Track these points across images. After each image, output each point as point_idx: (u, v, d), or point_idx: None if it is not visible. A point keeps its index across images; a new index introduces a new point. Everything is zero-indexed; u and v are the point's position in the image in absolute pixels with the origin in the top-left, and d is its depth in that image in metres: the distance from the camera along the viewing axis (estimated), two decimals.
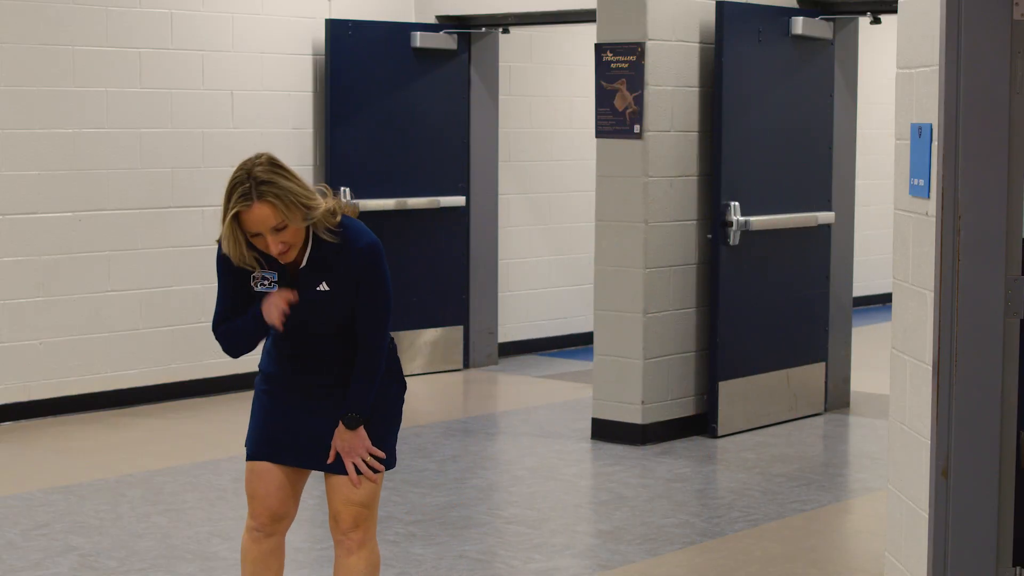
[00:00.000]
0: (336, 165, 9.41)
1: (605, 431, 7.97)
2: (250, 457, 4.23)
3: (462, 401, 9.43)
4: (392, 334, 4.26)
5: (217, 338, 4.17)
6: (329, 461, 4.15)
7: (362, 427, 4.13)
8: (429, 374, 9.88)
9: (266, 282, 4.06)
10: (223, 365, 9.10)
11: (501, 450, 7.90)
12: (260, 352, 4.34)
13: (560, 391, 9.50)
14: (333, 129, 9.37)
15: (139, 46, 8.72)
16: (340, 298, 4.07)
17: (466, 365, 10.26)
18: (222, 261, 4.09)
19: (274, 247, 3.94)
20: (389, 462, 4.23)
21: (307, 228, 4.02)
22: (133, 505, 6.60)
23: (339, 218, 4.04)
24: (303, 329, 4.11)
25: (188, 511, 6.50)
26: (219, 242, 4.04)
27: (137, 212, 8.76)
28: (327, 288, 4.05)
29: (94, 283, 8.61)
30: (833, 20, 8.53)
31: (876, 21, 8.48)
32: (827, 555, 6.02)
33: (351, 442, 4.13)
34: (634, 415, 7.87)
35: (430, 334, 9.94)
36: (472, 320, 10.27)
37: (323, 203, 4.00)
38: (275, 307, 4.01)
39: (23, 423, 8.32)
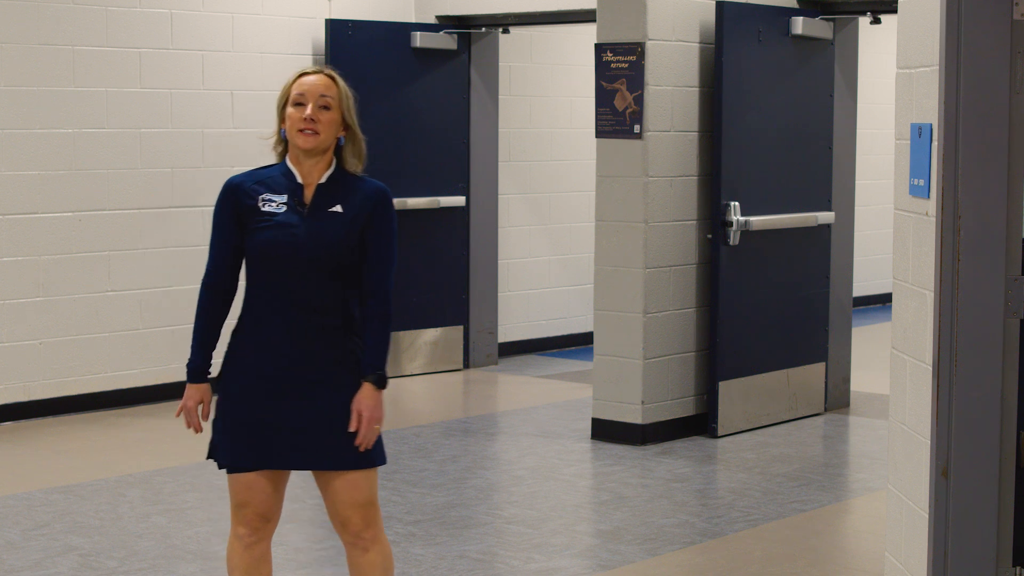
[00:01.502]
0: None
1: (605, 431, 7.97)
2: (232, 468, 4.10)
3: (462, 401, 9.43)
4: (392, 334, 4.21)
5: (199, 295, 4.19)
6: (351, 428, 4.02)
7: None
8: (429, 374, 9.88)
9: (273, 203, 4.05)
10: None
11: (501, 450, 7.90)
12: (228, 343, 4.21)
13: (560, 391, 9.50)
14: None
15: (139, 46, 8.72)
16: (349, 225, 4.03)
17: (466, 365, 10.26)
18: (223, 207, 4.09)
19: (311, 112, 4.00)
20: (382, 459, 4.16)
21: (333, 150, 4.09)
22: (133, 505, 6.61)
23: (362, 165, 4.16)
24: (301, 259, 4.01)
25: (188, 511, 6.50)
26: (222, 191, 4.09)
27: (137, 212, 8.77)
28: (340, 211, 4.04)
29: (94, 283, 8.61)
30: (833, 20, 8.53)
31: (876, 21, 8.48)
32: (827, 555, 6.02)
33: (375, 402, 4.03)
34: (634, 415, 7.87)
35: (430, 334, 9.94)
36: (472, 320, 10.28)
37: (361, 135, 4.13)
38: (188, 409, 4.14)
39: (23, 423, 8.32)
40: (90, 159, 8.54)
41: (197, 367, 4.15)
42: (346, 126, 4.10)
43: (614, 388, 7.93)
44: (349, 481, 4.08)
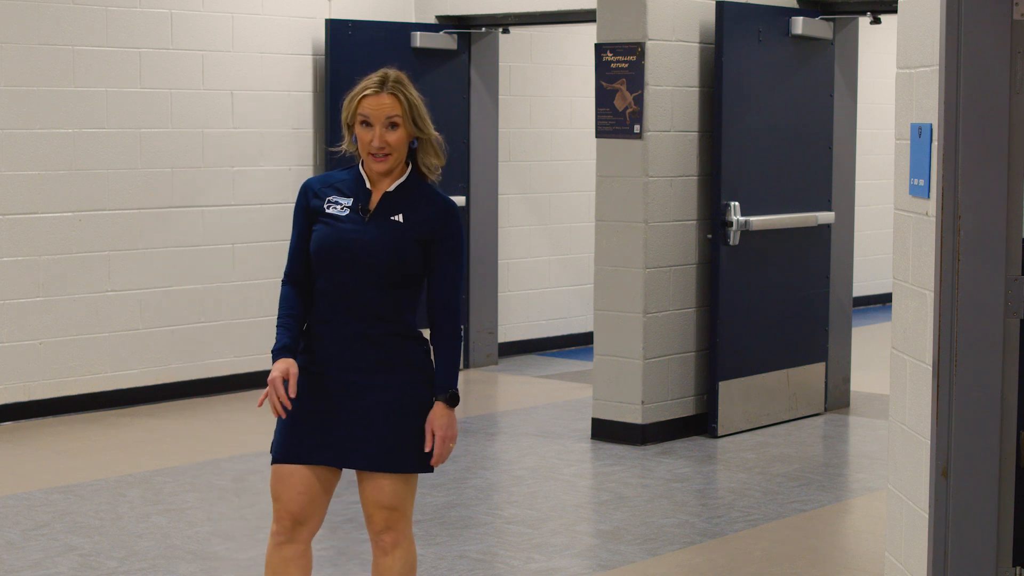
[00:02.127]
0: (335, 165, 9.40)
1: (605, 431, 7.97)
2: (275, 460, 4.11)
3: (462, 401, 9.42)
4: None
5: (280, 295, 4.16)
6: (427, 449, 4.03)
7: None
8: None
9: (338, 206, 4.08)
10: (223, 365, 9.11)
11: (501, 450, 7.90)
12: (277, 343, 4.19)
13: (560, 391, 9.50)
14: (333, 129, 9.37)
15: (139, 46, 8.72)
16: (410, 236, 4.03)
17: (466, 365, 10.26)
18: (297, 207, 4.14)
19: (378, 140, 4.01)
20: (422, 467, 4.11)
21: (408, 159, 4.10)
22: (133, 505, 6.60)
23: (440, 168, 4.15)
24: (353, 263, 4.01)
25: (188, 511, 6.50)
26: (299, 191, 4.12)
27: (137, 212, 8.77)
28: (401, 220, 4.05)
29: (94, 283, 8.61)
30: (833, 20, 8.53)
31: (876, 21, 8.48)
32: (827, 555, 6.02)
33: (449, 421, 4.06)
34: (634, 415, 7.87)
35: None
36: (472, 320, 10.28)
37: (435, 135, 4.14)
38: (277, 384, 3.99)
39: (23, 423, 8.32)
40: (90, 159, 8.54)
41: (283, 346, 4.08)
42: (418, 122, 4.11)
43: (614, 388, 7.93)
44: (375, 482, 4.07)
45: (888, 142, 12.77)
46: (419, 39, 9.72)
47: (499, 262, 10.63)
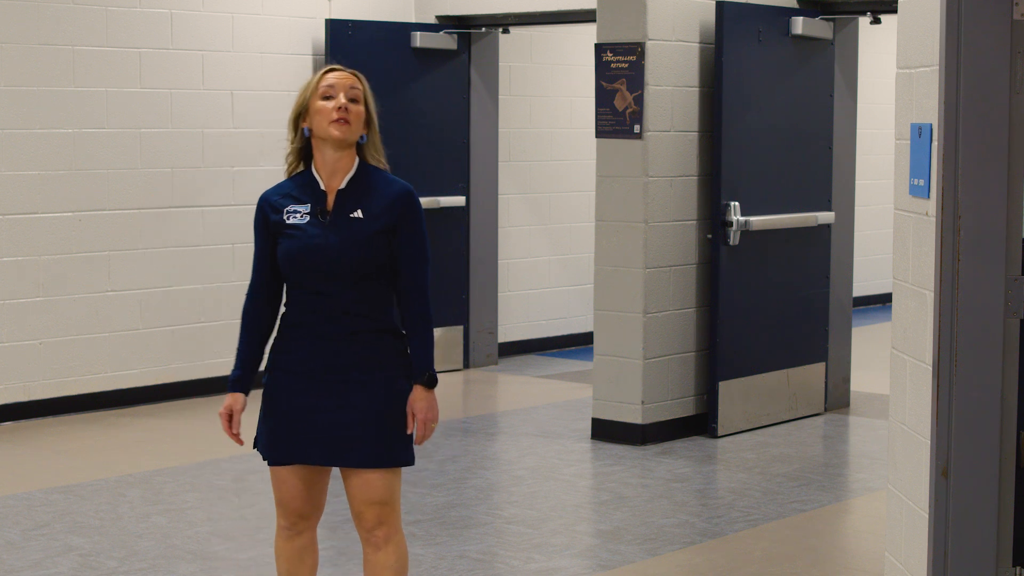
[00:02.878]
0: None
1: (605, 431, 7.97)
2: (270, 461, 4.21)
3: (462, 401, 9.42)
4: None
5: (242, 310, 4.28)
6: (408, 431, 4.13)
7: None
8: None
9: (298, 214, 4.15)
10: (223, 365, 9.10)
11: (501, 450, 7.90)
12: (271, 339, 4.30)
13: (560, 391, 9.50)
14: None
15: (139, 46, 8.72)
16: (373, 228, 4.09)
17: (466, 365, 10.27)
18: (256, 223, 4.22)
19: (343, 102, 4.11)
20: (406, 459, 4.20)
21: (355, 152, 4.20)
22: (133, 505, 6.61)
23: (382, 159, 4.25)
24: (325, 267, 4.08)
25: (188, 511, 6.50)
26: (256, 207, 4.23)
27: (137, 212, 8.77)
28: (361, 216, 4.11)
29: (94, 283, 8.61)
30: (833, 20, 8.53)
31: (876, 21, 8.48)
32: (827, 555, 6.02)
33: (429, 403, 4.15)
34: (634, 415, 7.87)
35: None
36: (472, 320, 10.28)
37: (379, 136, 4.26)
38: (224, 418, 4.20)
39: (23, 423, 8.32)
40: (90, 159, 8.54)
41: (234, 378, 4.27)
42: (367, 124, 4.21)
43: (614, 388, 7.93)
44: (364, 479, 4.14)
45: (888, 142, 12.77)
46: (419, 39, 9.72)
47: (499, 262, 10.63)
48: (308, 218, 4.13)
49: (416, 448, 4.26)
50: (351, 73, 4.20)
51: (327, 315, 4.12)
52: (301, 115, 4.19)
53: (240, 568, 5.69)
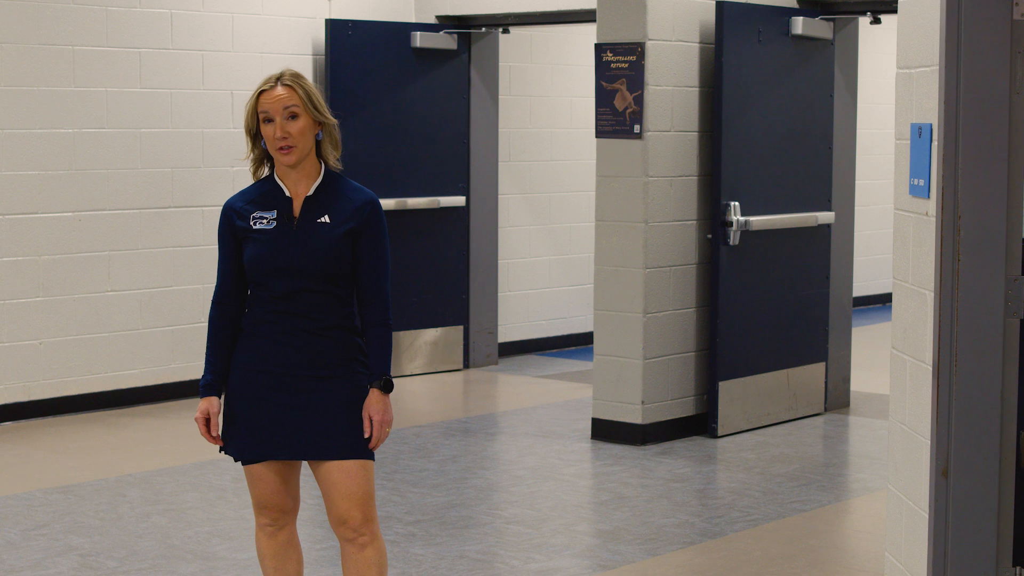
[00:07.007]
0: None
1: (605, 431, 7.97)
2: (244, 461, 4.25)
3: (462, 401, 9.42)
4: (393, 335, 4.31)
5: (209, 314, 4.29)
6: (366, 436, 4.17)
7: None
8: (429, 374, 9.88)
9: (264, 220, 4.17)
10: None
11: (501, 450, 7.90)
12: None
13: (560, 391, 9.50)
14: None
15: (139, 46, 8.72)
16: (339, 232, 4.13)
17: (466, 365, 10.27)
18: (222, 230, 4.24)
19: (280, 131, 4.08)
20: (372, 453, 4.25)
21: (319, 163, 4.19)
22: (133, 505, 6.61)
23: (339, 153, 4.24)
24: (293, 269, 4.12)
25: (188, 511, 6.51)
26: (220, 214, 4.23)
27: (137, 212, 8.77)
28: (328, 220, 4.14)
29: (94, 283, 8.61)
30: (833, 20, 8.53)
31: (876, 21, 8.48)
32: (827, 555, 6.02)
33: (384, 406, 4.18)
34: (634, 415, 7.87)
35: (430, 334, 9.94)
36: (472, 320, 10.28)
37: (333, 120, 4.20)
38: (202, 419, 4.23)
39: (23, 423, 8.32)
40: (90, 159, 8.54)
41: (205, 383, 4.28)
42: (317, 123, 4.17)
43: (614, 388, 7.93)
44: (347, 472, 4.17)
45: (888, 142, 12.77)
46: (419, 39, 9.72)
47: (499, 262, 10.63)
48: (275, 223, 4.16)
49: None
50: (284, 85, 4.11)
51: (291, 315, 4.16)
52: (252, 132, 4.19)
53: (240, 568, 5.70)
